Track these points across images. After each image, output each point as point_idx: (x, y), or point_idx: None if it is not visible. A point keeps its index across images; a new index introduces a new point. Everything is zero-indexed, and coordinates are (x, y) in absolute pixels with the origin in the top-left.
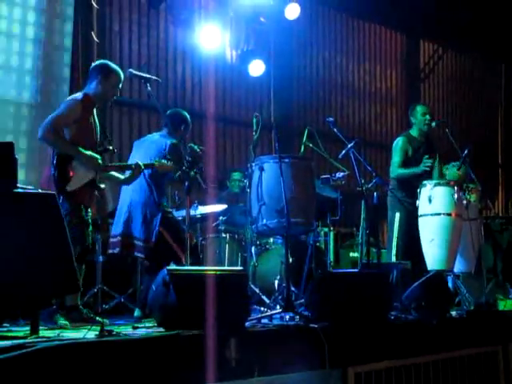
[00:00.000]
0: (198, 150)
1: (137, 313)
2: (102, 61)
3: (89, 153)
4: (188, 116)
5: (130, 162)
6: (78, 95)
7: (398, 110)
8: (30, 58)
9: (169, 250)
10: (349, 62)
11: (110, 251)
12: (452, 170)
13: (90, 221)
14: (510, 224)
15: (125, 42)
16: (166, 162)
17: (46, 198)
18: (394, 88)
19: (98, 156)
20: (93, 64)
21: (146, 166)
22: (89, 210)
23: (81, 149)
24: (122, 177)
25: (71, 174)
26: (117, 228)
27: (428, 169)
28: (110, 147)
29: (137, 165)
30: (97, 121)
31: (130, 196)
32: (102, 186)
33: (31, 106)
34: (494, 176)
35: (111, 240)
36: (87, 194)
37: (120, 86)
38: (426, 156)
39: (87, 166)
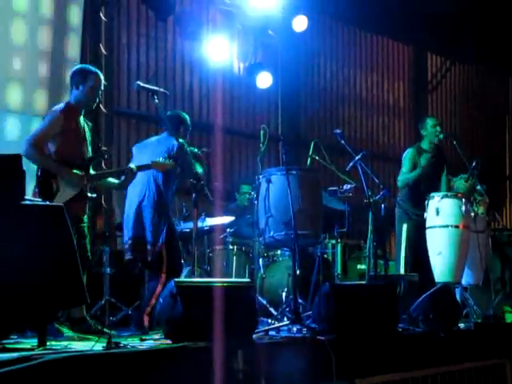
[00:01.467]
0: (199, 152)
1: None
2: (78, 65)
3: (71, 171)
4: (187, 117)
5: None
6: (60, 106)
7: (405, 122)
8: (39, 70)
9: (160, 261)
10: (356, 74)
11: (126, 257)
12: (460, 182)
13: (86, 231)
14: None
15: (133, 54)
16: (163, 160)
17: (54, 209)
18: (402, 100)
19: (79, 172)
20: (71, 70)
21: (140, 167)
22: (85, 220)
23: (63, 167)
24: (116, 182)
25: (55, 189)
26: (127, 232)
27: (427, 162)
28: (100, 155)
29: (129, 168)
30: (86, 129)
31: (138, 199)
32: (93, 195)
33: (41, 117)
34: (502, 188)
35: (124, 246)
36: (76, 205)
37: (102, 87)
38: (429, 155)
39: (70, 184)
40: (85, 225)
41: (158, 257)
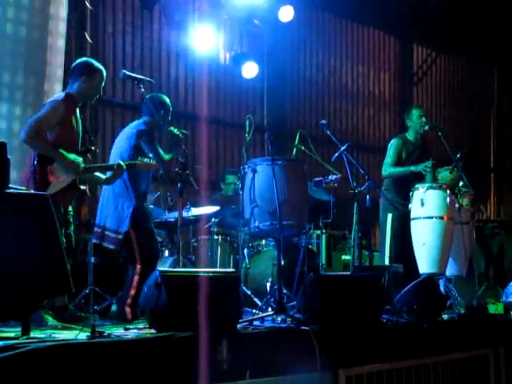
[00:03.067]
0: (179, 133)
1: (113, 308)
2: (84, 59)
3: (71, 156)
4: (167, 100)
5: (111, 156)
6: (60, 95)
7: (390, 113)
8: (23, 58)
9: (130, 250)
10: (342, 64)
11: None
12: (444, 174)
13: (71, 220)
14: (502, 228)
15: (118, 43)
16: (148, 160)
17: (39, 198)
18: (388, 91)
19: (79, 159)
20: (75, 63)
21: (128, 165)
22: (69, 209)
23: (63, 152)
24: (103, 177)
25: (51, 178)
26: (97, 218)
27: (428, 170)
28: (92, 147)
29: (118, 165)
30: (79, 120)
31: (107, 187)
32: (83, 187)
33: (24, 105)
34: (486, 180)
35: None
36: (67, 195)
37: (103, 83)
38: (431, 162)
39: (68, 170)
40: (70, 214)
41: (127, 246)
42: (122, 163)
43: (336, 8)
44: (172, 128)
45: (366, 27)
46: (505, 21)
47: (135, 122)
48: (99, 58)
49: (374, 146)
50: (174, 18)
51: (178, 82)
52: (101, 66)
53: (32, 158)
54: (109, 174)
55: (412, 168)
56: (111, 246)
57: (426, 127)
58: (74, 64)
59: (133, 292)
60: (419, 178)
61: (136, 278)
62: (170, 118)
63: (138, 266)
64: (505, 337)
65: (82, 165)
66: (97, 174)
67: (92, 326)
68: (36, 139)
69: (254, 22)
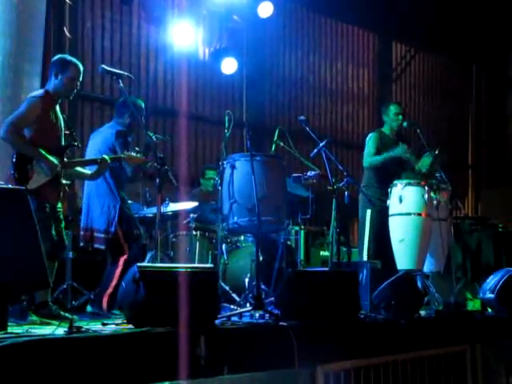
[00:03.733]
0: (154, 138)
1: (88, 308)
2: (59, 55)
3: (48, 156)
4: (138, 103)
5: (86, 156)
6: (39, 92)
7: (369, 110)
8: (0, 53)
9: (118, 246)
10: (321, 61)
11: (80, 245)
12: (425, 160)
13: (61, 217)
14: (479, 225)
15: (97, 38)
16: (135, 154)
17: (16, 193)
18: (366, 88)
19: (55, 160)
20: (53, 59)
21: (113, 159)
22: (58, 206)
23: (41, 150)
24: (88, 172)
25: (30, 173)
26: (82, 221)
27: (408, 152)
28: (75, 143)
29: (103, 159)
30: (60, 116)
31: (90, 188)
32: (66, 182)
33: (1, 100)
34: (465, 177)
35: (80, 233)
36: (52, 192)
37: (80, 78)
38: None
39: (45, 168)
40: (60, 211)
41: (115, 243)
42: (106, 157)
43: (315, 4)
44: (150, 132)
45: (345, 24)
46: (483, 19)
47: (111, 123)
48: (78, 53)
49: (352, 143)
50: (153, 13)
51: (156, 78)
52: (76, 61)
53: (11, 155)
54: (93, 168)
55: (391, 153)
56: (102, 247)
57: (404, 124)
58: (52, 60)
59: (114, 282)
60: (398, 172)
61: (119, 269)
62: (144, 122)
63: (122, 259)
64: (482, 333)
65: (59, 165)
66: (79, 169)
67: (70, 321)
68: (14, 137)
69: (233, 18)
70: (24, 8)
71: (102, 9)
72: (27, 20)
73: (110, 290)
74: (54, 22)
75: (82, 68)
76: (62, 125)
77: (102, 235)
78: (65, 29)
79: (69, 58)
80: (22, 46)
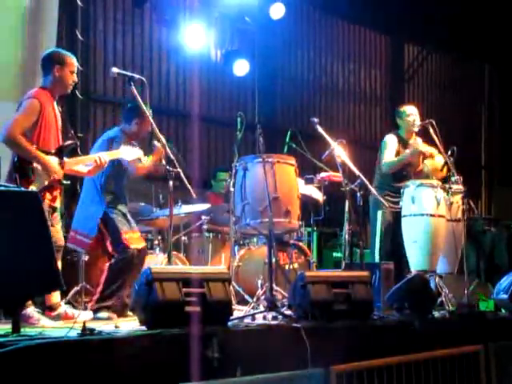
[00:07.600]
0: (158, 145)
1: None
2: (51, 50)
3: (48, 161)
4: (143, 109)
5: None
6: (34, 92)
7: (382, 111)
8: (14, 56)
9: (102, 250)
10: (333, 62)
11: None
12: (438, 159)
13: (59, 218)
14: (493, 225)
15: (109, 40)
16: (131, 147)
17: (28, 195)
18: (378, 89)
19: (55, 163)
20: (43, 55)
21: (111, 155)
22: (58, 207)
23: (41, 154)
24: (85, 170)
25: (32, 177)
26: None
27: (418, 148)
28: (69, 142)
29: (98, 156)
30: (58, 114)
31: (83, 188)
32: (66, 182)
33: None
34: (477, 177)
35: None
36: (53, 193)
37: (75, 71)
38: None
39: (45, 171)
40: (59, 211)
41: (98, 248)
42: (102, 154)
43: (327, 6)
44: (156, 142)
45: (357, 25)
46: (496, 18)
47: (116, 128)
48: (90, 55)
49: (365, 143)
50: (165, 15)
51: (169, 80)
52: (69, 53)
53: (12, 156)
54: (91, 165)
55: (407, 151)
56: (80, 249)
57: (418, 123)
58: (42, 57)
59: (100, 288)
60: (407, 174)
61: (104, 275)
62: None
63: (108, 263)
64: (495, 334)
65: (59, 168)
66: (78, 168)
67: (83, 323)
68: (14, 140)
69: (244, 20)
70: (36, 17)
71: (114, 11)
72: (40, 22)
73: (96, 296)
74: (67, 24)
75: (75, 60)
76: (60, 123)
77: (85, 239)
78: (77, 32)
79: (62, 51)
80: (34, 48)
